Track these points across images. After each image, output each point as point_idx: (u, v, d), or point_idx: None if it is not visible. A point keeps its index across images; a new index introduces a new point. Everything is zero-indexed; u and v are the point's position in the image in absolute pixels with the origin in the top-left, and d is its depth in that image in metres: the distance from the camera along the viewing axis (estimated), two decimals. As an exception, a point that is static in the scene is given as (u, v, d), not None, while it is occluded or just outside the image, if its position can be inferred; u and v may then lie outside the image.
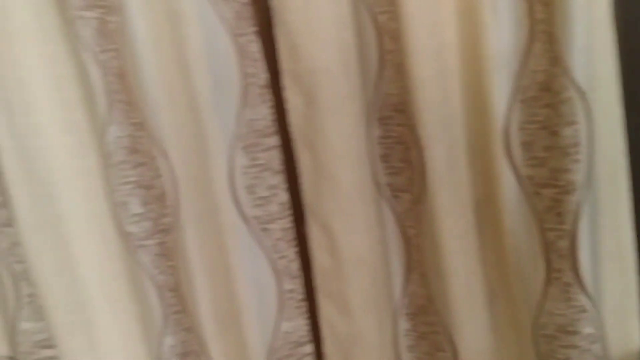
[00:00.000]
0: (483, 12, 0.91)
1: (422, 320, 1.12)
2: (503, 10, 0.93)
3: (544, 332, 1.03)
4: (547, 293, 1.01)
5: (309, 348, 1.12)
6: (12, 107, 0.88)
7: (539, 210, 0.99)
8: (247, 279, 1.06)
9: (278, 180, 1.04)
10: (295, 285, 1.10)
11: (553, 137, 0.94)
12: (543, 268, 1.01)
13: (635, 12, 1.03)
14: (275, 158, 1.03)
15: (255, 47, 0.98)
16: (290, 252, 1.08)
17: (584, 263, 0.97)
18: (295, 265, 1.09)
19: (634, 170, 0.98)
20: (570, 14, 0.88)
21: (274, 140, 1.02)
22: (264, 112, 1.01)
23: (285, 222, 1.06)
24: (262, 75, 0.99)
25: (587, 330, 1.00)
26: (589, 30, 0.90)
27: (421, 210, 1.03)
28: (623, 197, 0.98)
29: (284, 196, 1.05)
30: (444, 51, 0.94)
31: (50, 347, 1.05)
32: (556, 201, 0.96)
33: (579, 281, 0.97)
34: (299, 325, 1.12)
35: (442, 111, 0.96)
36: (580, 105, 0.91)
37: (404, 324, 1.14)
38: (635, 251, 1.01)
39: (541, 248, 1.00)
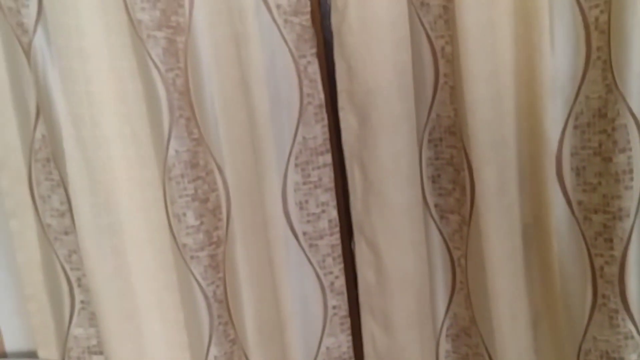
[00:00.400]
0: (540, 37, 0.92)
1: (464, 342, 1.13)
2: (560, 37, 0.94)
3: (588, 358, 1.02)
4: (592, 318, 1.01)
5: (350, 364, 1.13)
6: (80, 121, 0.91)
7: (589, 235, 0.99)
8: (293, 294, 1.08)
9: (328, 197, 1.06)
10: (340, 302, 1.11)
11: (606, 163, 0.94)
12: (590, 293, 1.00)
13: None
14: (327, 176, 1.05)
15: (313, 68, 1.01)
16: (337, 268, 1.10)
17: (632, 290, 0.96)
18: (340, 282, 1.10)
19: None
20: (627, 42, 0.88)
21: (327, 159, 1.04)
22: (319, 131, 1.03)
23: (334, 239, 1.08)
24: (318, 95, 1.02)
25: (632, 357, 0.98)
26: (646, 58, 0.90)
27: (468, 231, 1.04)
28: (674, 224, 0.98)
29: (333, 213, 1.07)
30: (499, 75, 0.95)
31: (99, 353, 1.08)
32: (606, 227, 0.96)
33: (626, 308, 0.97)
34: (342, 341, 1.13)
35: (494, 134, 0.97)
36: (635, 132, 0.91)
37: (445, 345, 1.14)
38: (685, 279, 1.00)
39: (589, 273, 1.00)
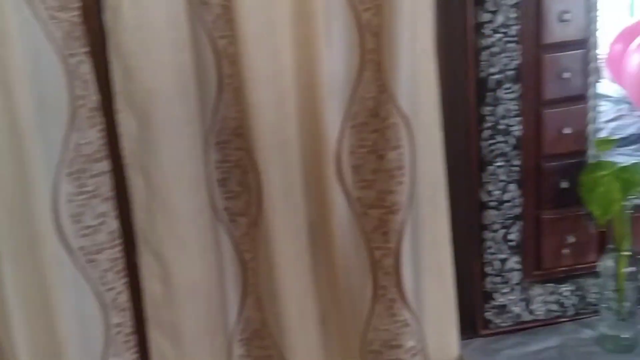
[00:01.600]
0: (318, 40, 0.95)
1: (257, 345, 1.12)
2: (336, 39, 0.97)
3: (371, 348, 1.07)
4: (374, 310, 1.06)
5: (137, 384, 1.07)
6: None
7: (367, 230, 1.04)
8: (70, 315, 0.99)
9: (107, 207, 0.99)
10: (123, 319, 1.04)
11: (380, 160, 1.00)
12: (370, 286, 1.05)
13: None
14: (105, 184, 0.98)
15: (86, 68, 0.93)
16: (119, 283, 1.03)
17: (407, 279, 1.03)
18: (124, 297, 1.04)
19: (452, 191, 1.07)
20: (396, 45, 0.94)
21: (104, 166, 0.97)
22: (94, 136, 0.96)
23: (115, 252, 1.01)
24: (92, 97, 0.95)
25: (410, 343, 1.05)
26: (414, 61, 0.97)
27: (257, 233, 1.04)
28: (442, 215, 1.06)
29: (113, 224, 1.00)
30: (280, 77, 0.96)
31: None
32: (382, 221, 1.02)
33: (402, 297, 1.03)
34: (128, 360, 1.07)
35: (278, 135, 0.98)
36: (405, 130, 0.98)
37: (238, 350, 1.13)
38: (453, 266, 1.09)
39: (369, 266, 1.05)
